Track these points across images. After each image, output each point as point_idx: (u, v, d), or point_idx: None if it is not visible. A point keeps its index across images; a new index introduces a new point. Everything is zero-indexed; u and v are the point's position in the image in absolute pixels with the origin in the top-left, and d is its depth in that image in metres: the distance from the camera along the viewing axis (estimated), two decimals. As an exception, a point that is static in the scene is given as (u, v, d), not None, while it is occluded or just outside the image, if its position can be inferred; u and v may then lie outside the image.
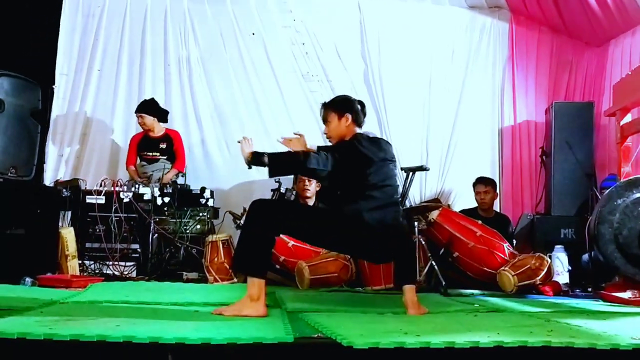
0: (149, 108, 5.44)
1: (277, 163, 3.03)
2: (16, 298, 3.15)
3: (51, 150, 5.75)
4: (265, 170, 3.02)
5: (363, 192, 3.08)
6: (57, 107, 5.82)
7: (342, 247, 3.39)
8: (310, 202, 4.98)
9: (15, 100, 4.33)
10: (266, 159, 2.97)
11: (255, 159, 2.98)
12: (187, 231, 5.06)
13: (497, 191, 5.32)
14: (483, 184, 5.19)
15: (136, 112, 5.47)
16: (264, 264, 2.96)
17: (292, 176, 5.32)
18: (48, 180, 5.57)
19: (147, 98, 5.59)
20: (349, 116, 3.28)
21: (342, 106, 3.33)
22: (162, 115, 5.51)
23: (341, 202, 3.11)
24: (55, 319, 2.40)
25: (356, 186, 3.11)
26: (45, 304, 2.95)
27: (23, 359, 2.03)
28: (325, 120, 3.34)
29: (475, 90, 6.16)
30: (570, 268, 4.78)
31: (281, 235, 4.34)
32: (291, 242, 4.46)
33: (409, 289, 3.12)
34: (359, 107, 3.36)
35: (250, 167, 3.04)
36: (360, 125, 3.34)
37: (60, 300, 3.15)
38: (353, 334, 2.15)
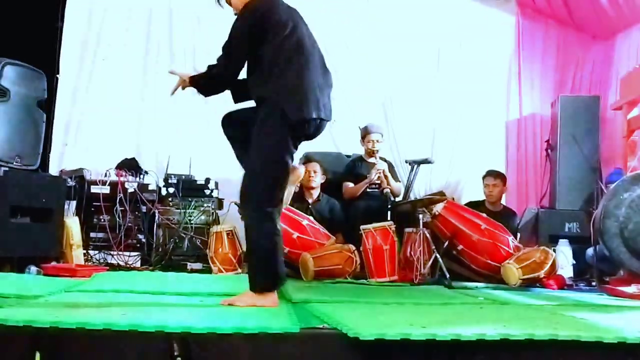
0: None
1: (200, 80, 2.96)
2: (22, 287, 3.16)
3: (56, 139, 5.73)
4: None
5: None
6: (62, 96, 5.79)
7: None
8: (315, 194, 4.99)
9: (21, 89, 4.30)
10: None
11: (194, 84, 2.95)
12: (192, 222, 5.06)
13: (506, 186, 5.30)
14: (492, 176, 5.17)
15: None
16: (282, 273, 2.80)
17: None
18: (53, 169, 5.55)
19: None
20: None
21: None
22: None
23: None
24: (61, 307, 2.41)
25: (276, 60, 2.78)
26: (51, 292, 2.95)
27: (29, 346, 2.03)
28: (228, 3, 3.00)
29: (482, 83, 6.14)
30: (574, 262, 4.77)
31: (285, 227, 4.39)
32: (295, 234, 4.45)
33: None
34: None
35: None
36: None
37: (65, 289, 3.15)
38: (359, 325, 2.14)
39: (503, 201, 5.45)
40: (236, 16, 2.92)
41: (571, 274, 4.72)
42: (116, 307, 2.47)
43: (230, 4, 2.98)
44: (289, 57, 2.79)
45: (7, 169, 4.07)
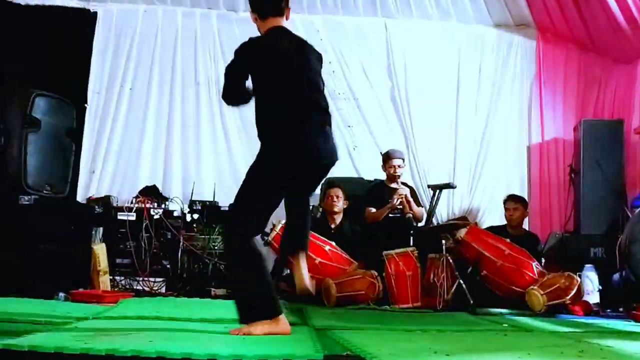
0: None
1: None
2: (51, 313, 3.23)
3: (83, 166, 5.85)
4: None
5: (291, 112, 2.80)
6: (90, 125, 5.94)
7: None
8: (338, 219, 5.02)
9: (51, 119, 4.46)
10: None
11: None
12: (216, 247, 5.12)
13: (528, 210, 5.27)
14: (513, 201, 5.16)
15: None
16: (273, 297, 2.75)
17: (319, 193, 5.37)
18: (80, 196, 5.67)
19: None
20: (254, 15, 2.96)
21: (250, 3, 3.01)
22: None
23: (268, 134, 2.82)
24: (90, 333, 2.46)
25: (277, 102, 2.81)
26: (79, 318, 3.01)
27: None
28: None
29: (503, 107, 6.15)
30: (600, 287, 4.71)
31: (308, 252, 4.42)
32: (318, 259, 4.48)
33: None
34: None
35: None
36: (275, 15, 2.94)
37: (93, 315, 3.22)
38: (382, 353, 2.16)
39: (525, 226, 5.42)
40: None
41: (597, 300, 4.66)
42: (143, 334, 2.52)
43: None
44: (285, 104, 2.81)
45: (37, 197, 4.19)
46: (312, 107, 2.85)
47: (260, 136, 2.85)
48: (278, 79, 2.83)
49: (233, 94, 2.97)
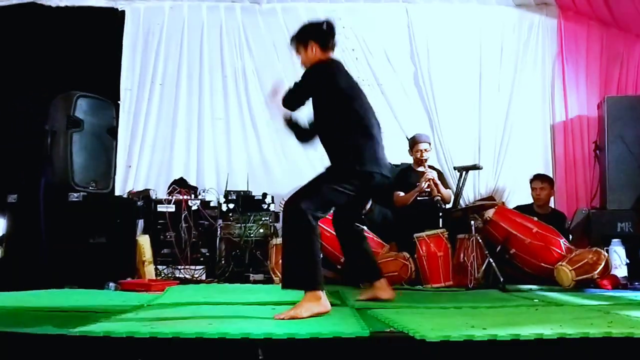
0: None
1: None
2: (106, 302, 3.46)
3: (119, 161, 6.06)
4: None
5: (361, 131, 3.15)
6: (123, 121, 6.16)
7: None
8: (368, 204, 5.16)
9: (93, 119, 4.67)
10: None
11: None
12: (252, 235, 5.33)
13: (554, 189, 5.36)
14: (540, 180, 5.26)
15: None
16: (320, 272, 2.89)
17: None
18: (118, 190, 5.89)
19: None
20: (314, 44, 3.21)
21: (305, 35, 3.25)
22: None
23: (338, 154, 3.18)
24: (152, 320, 2.67)
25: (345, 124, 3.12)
26: (136, 307, 3.23)
27: (128, 355, 2.28)
28: (298, 54, 3.31)
29: (526, 87, 6.21)
30: (628, 261, 4.81)
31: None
32: (352, 243, 4.63)
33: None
34: (324, 29, 3.23)
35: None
36: (331, 49, 3.26)
37: (146, 303, 3.43)
38: (424, 328, 2.32)
39: (552, 204, 5.52)
40: (304, 69, 3.24)
41: (625, 274, 4.76)
42: (201, 318, 2.72)
43: (299, 55, 3.31)
44: (356, 121, 3.15)
45: (85, 193, 4.42)
46: (379, 129, 3.29)
47: (333, 149, 3.20)
48: (354, 103, 3.16)
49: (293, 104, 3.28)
